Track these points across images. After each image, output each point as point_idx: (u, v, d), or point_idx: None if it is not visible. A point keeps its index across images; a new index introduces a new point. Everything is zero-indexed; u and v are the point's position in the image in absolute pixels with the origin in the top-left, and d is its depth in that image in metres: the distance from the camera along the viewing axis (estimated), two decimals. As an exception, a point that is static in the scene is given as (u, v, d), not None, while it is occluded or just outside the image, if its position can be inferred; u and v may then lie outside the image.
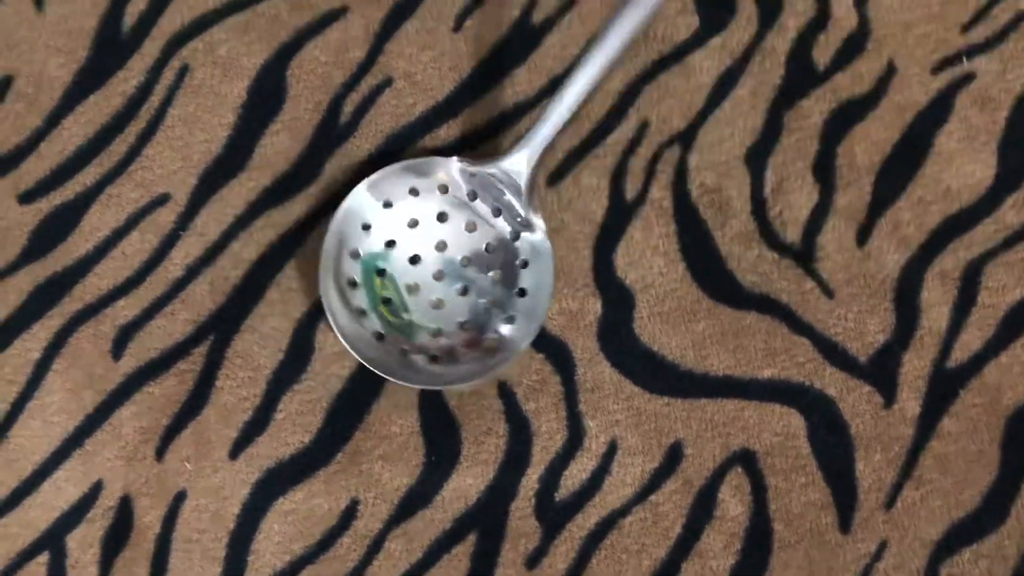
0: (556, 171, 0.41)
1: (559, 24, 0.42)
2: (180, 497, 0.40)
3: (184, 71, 0.41)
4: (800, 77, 0.42)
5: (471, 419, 0.41)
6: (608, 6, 0.42)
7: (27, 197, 0.41)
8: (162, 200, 0.41)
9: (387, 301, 0.40)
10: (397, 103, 0.41)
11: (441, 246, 0.41)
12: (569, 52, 0.42)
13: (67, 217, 0.41)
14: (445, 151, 0.41)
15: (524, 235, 0.40)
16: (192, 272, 0.41)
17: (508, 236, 0.40)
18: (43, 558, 0.40)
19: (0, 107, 0.41)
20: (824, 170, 0.41)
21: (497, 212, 0.40)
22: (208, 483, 0.40)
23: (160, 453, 0.40)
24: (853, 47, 0.42)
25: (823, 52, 0.42)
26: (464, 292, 0.40)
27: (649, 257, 0.41)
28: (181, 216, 0.41)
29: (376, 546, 0.40)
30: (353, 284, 0.40)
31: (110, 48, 0.41)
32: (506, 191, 0.39)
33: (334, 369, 0.41)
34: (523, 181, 0.39)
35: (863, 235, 0.41)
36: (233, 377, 0.41)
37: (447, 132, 0.41)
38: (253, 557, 0.40)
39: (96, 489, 0.40)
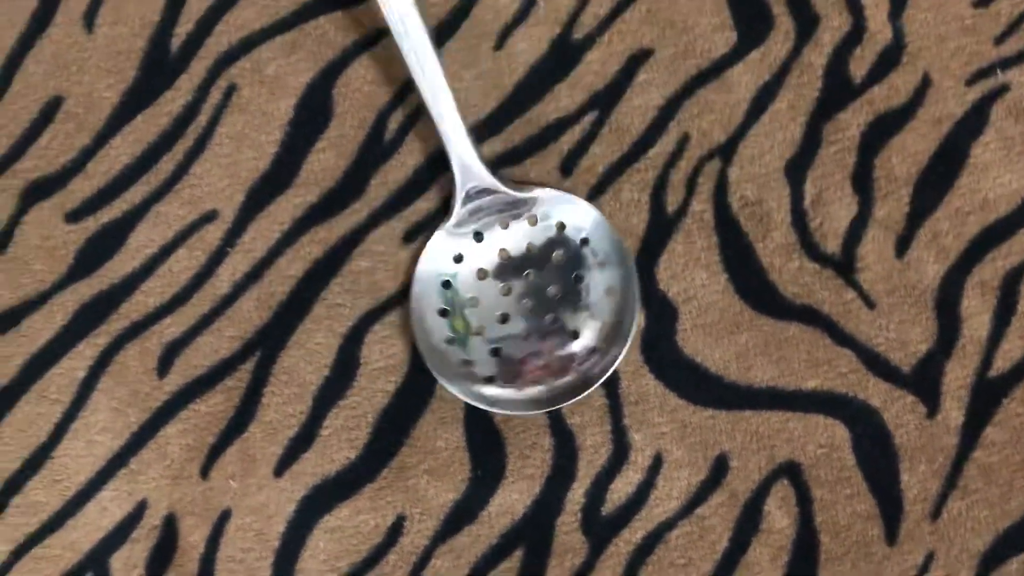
0: (596, 186, 0.42)
1: (599, 41, 0.42)
2: (225, 516, 0.40)
3: (231, 90, 0.42)
4: (837, 90, 0.42)
5: (516, 433, 0.40)
6: (646, 23, 0.42)
7: (74, 216, 0.41)
8: (210, 217, 0.41)
9: (455, 316, 0.40)
10: (440, 120, 0.42)
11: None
12: (609, 68, 0.42)
13: (114, 235, 0.41)
14: (490, 168, 0.41)
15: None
16: (239, 288, 0.41)
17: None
18: (87, 579, 0.40)
19: (49, 127, 0.41)
20: (862, 182, 0.42)
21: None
22: (253, 501, 0.40)
23: (205, 471, 0.40)
24: (888, 60, 0.42)
25: (859, 65, 0.42)
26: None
27: (691, 270, 0.41)
28: (228, 233, 0.41)
29: (422, 563, 0.40)
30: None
31: (158, 68, 0.42)
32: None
33: (380, 384, 0.41)
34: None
35: (902, 245, 0.41)
36: (279, 394, 0.41)
37: (489, 149, 0.42)
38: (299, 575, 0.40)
39: (141, 508, 0.40)
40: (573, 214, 0.41)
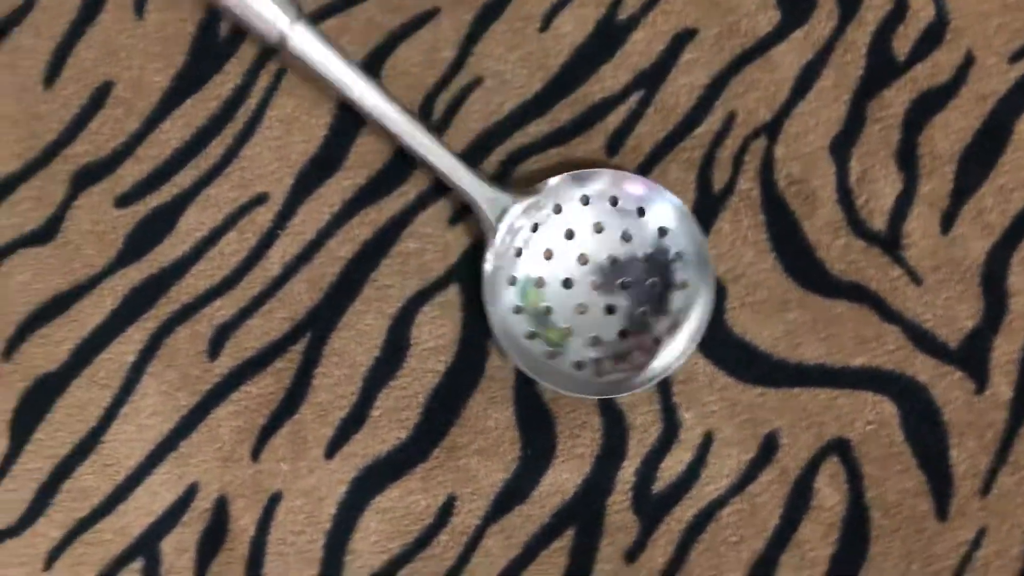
0: (644, 164, 0.42)
1: (643, 21, 0.42)
2: (276, 498, 0.40)
3: (281, 73, 0.42)
4: (881, 68, 0.42)
5: (566, 412, 0.40)
6: (690, 3, 0.42)
7: (123, 200, 0.41)
8: (260, 200, 0.41)
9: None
10: (487, 101, 0.42)
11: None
12: (654, 48, 0.42)
13: (164, 219, 0.41)
14: (533, 148, 0.42)
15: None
16: (289, 270, 0.41)
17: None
18: (137, 564, 0.40)
19: (99, 113, 0.41)
20: (907, 159, 0.42)
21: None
22: (304, 483, 0.40)
23: (256, 454, 0.40)
24: (931, 38, 0.42)
25: (902, 43, 0.42)
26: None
27: (739, 248, 0.41)
28: (278, 215, 0.41)
29: (474, 543, 0.40)
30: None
31: (207, 53, 0.42)
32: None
33: (430, 364, 0.41)
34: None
35: (947, 222, 0.42)
36: (329, 375, 0.41)
37: (536, 129, 0.42)
38: (351, 557, 0.40)
39: (191, 492, 0.40)
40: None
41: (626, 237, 0.40)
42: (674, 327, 0.40)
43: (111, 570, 0.40)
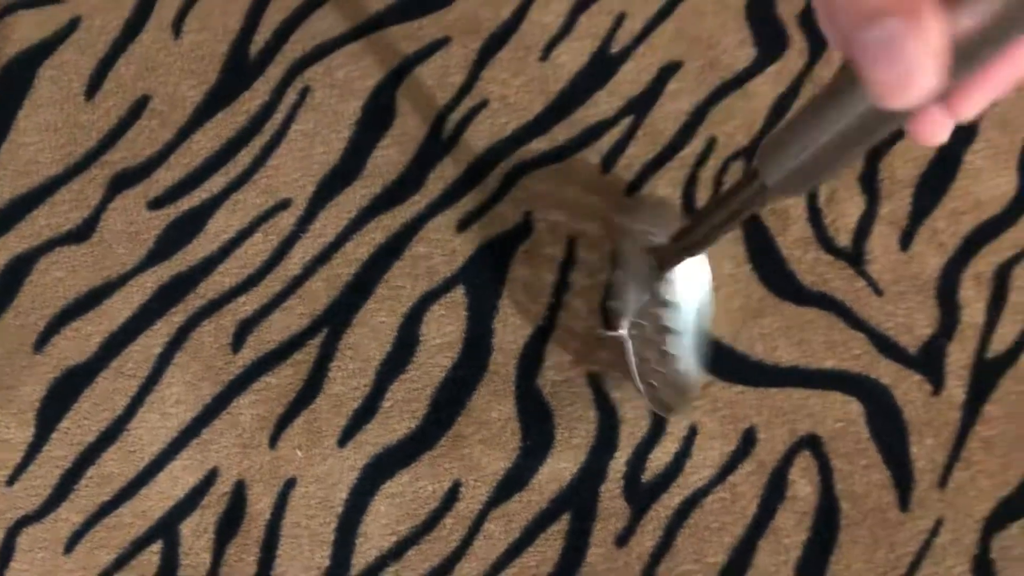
0: (633, 182, 0.46)
1: (634, 54, 0.46)
2: (290, 484, 0.42)
3: (305, 92, 0.45)
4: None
5: (564, 406, 0.43)
6: (676, 39, 0.47)
7: (156, 203, 0.44)
8: (284, 205, 0.44)
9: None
10: (492, 122, 0.45)
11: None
12: (643, 78, 0.46)
13: (194, 221, 0.44)
14: (533, 164, 0.45)
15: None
16: (309, 270, 0.44)
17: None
18: (156, 546, 0.41)
19: (136, 123, 0.44)
20: (870, 183, 0.46)
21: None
22: (318, 470, 0.42)
23: (273, 441, 0.42)
24: (890, 76, 0.47)
25: (864, 80, 0.47)
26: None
27: (719, 260, 0.45)
28: (300, 219, 0.44)
29: (477, 526, 0.42)
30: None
31: (238, 71, 0.45)
32: None
33: (437, 360, 0.43)
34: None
35: (906, 240, 0.45)
36: (344, 368, 0.43)
37: (536, 146, 0.45)
38: (361, 540, 0.42)
39: (211, 476, 0.42)
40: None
41: None
42: None
43: (130, 552, 0.41)
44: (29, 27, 0.44)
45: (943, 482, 0.43)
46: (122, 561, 0.42)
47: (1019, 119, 0.47)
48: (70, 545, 0.42)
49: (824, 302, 0.45)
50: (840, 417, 0.44)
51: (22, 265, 0.43)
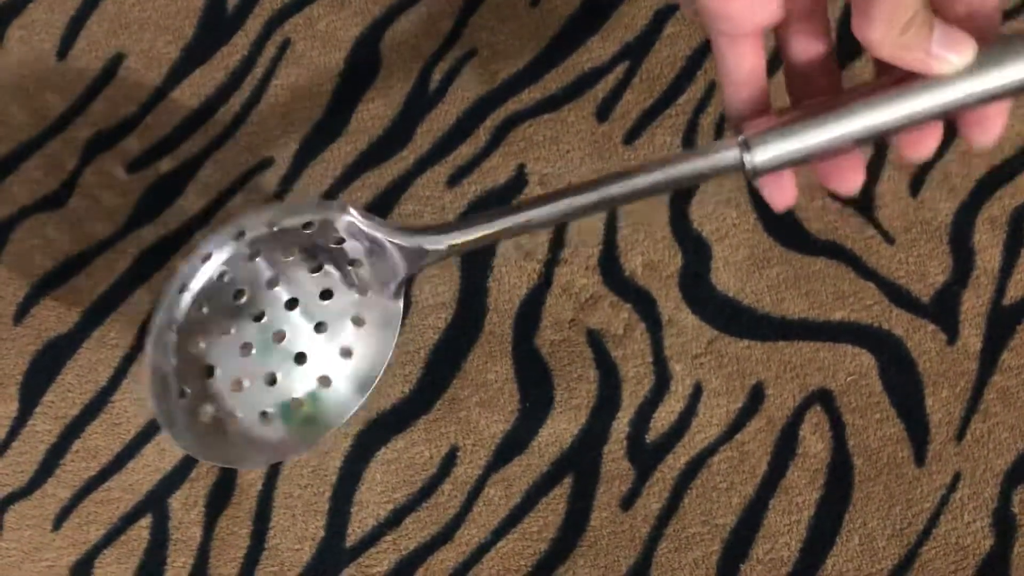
0: (631, 131, 0.43)
1: (628, -3, 0.44)
2: (282, 453, 0.41)
3: (286, 45, 0.43)
4: (853, 40, 0.44)
5: (562, 366, 0.41)
6: (672, -19, 0.45)
7: (134, 166, 0.42)
8: (267, 163, 0.42)
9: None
10: (482, 71, 0.43)
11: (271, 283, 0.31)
12: (637, 22, 0.44)
13: (174, 183, 0.41)
14: (526, 114, 0.43)
15: (373, 295, 0.31)
16: (294, 231, 0.42)
17: (354, 289, 0.31)
18: (146, 521, 0.40)
19: (111, 83, 0.43)
20: (877, 126, 0.44)
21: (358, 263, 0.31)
22: (310, 438, 0.41)
23: (263, 410, 0.41)
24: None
25: (870, 18, 0.45)
26: (279, 340, 0.31)
27: (722, 209, 0.43)
28: (284, 178, 0.42)
29: (476, 492, 0.40)
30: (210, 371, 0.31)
31: (215, 26, 0.42)
32: (389, 260, 0.30)
33: (430, 321, 0.41)
34: (418, 264, 0.30)
35: (916, 185, 0.43)
36: (334, 332, 0.41)
37: (528, 96, 0.43)
38: (356, 508, 0.40)
39: (200, 448, 0.41)
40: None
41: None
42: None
43: (120, 528, 0.40)
44: (-3, -13, 0.42)
45: (960, 435, 0.41)
46: (112, 536, 0.40)
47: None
48: (58, 522, 0.40)
49: (833, 251, 0.43)
50: (852, 370, 0.42)
51: (-2, 235, 0.41)
